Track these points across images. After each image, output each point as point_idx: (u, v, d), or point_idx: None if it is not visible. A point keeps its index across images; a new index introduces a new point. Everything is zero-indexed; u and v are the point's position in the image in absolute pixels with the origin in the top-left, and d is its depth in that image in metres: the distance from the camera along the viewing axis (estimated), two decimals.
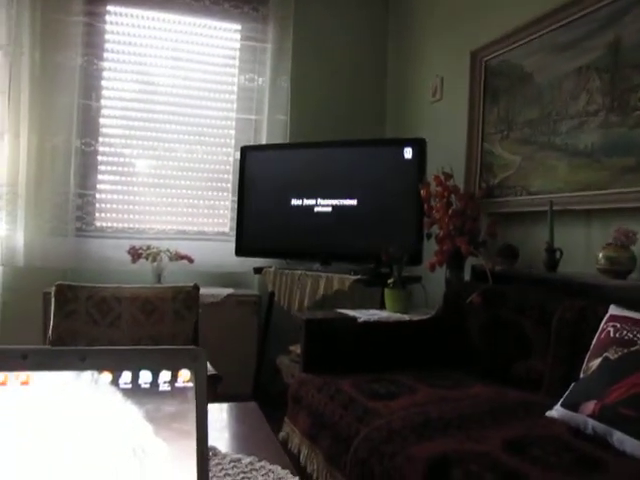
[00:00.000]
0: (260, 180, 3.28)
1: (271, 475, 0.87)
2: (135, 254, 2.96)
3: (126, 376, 0.57)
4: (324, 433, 1.94)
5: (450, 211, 2.70)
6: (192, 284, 2.25)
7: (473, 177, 2.94)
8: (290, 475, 0.88)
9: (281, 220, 3.19)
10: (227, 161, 3.49)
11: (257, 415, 1.30)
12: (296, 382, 2.29)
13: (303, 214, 3.13)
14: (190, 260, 3.06)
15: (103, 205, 3.29)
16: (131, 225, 3.31)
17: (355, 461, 1.64)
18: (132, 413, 0.57)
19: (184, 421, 0.58)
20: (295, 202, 3.14)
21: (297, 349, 2.65)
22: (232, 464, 1.00)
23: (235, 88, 3.46)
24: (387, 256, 2.59)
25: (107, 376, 0.57)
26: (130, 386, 0.57)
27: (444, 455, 1.41)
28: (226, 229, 3.50)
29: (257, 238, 3.23)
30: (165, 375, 0.58)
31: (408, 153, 2.95)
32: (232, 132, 3.47)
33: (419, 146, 2.98)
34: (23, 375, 0.55)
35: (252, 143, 3.40)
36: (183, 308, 2.23)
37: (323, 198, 3.09)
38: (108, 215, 3.31)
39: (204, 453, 0.58)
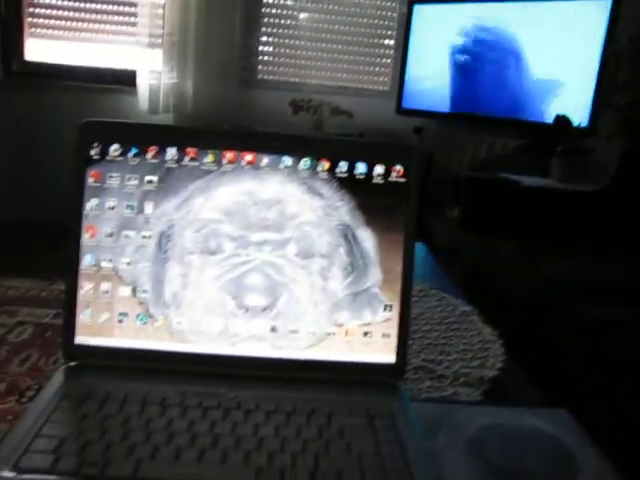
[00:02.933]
0: (426, 38, 3.08)
1: (444, 302, 0.90)
2: (296, 106, 3.01)
3: (343, 165, 0.58)
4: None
5: None
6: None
7: None
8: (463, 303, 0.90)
9: (444, 79, 2.99)
10: (391, 17, 3.32)
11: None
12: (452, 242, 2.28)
13: (468, 72, 2.91)
14: (350, 115, 3.05)
15: (266, 58, 3.33)
16: (293, 79, 3.34)
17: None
18: (346, 201, 0.59)
19: (394, 215, 0.59)
20: (459, 58, 2.89)
21: (454, 212, 2.61)
22: None
23: None
24: (560, 122, 2.38)
25: (325, 164, 0.58)
26: (346, 175, 0.59)
27: None
28: (387, 88, 3.42)
29: (419, 97, 3.11)
30: (379, 168, 0.59)
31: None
32: None
33: None
34: (249, 155, 0.58)
35: None
36: None
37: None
38: (271, 68, 3.36)
39: (410, 249, 0.59)
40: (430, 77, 3.02)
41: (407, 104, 3.11)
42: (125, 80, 3.01)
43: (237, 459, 0.48)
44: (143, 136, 0.59)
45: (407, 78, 3.08)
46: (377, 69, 3.38)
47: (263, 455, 0.49)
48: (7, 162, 2.97)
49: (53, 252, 2.11)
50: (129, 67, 3.00)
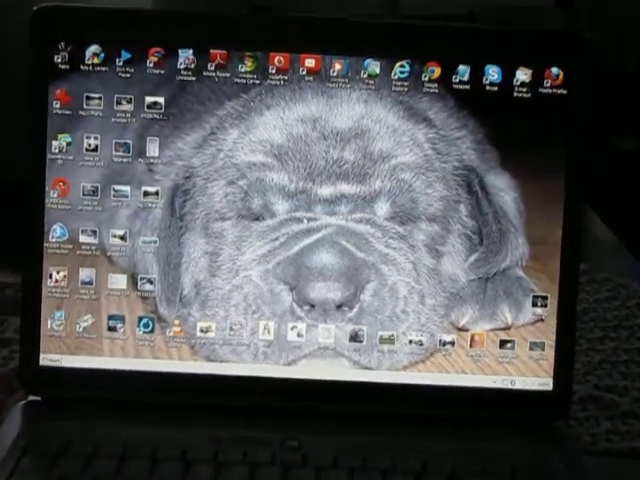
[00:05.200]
0: None
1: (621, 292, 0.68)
2: None
3: (463, 71, 0.41)
4: None
5: None
6: None
7: None
8: None
9: None
10: None
11: None
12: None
13: None
14: None
15: None
16: None
17: None
18: (470, 130, 0.44)
19: (549, 150, 0.42)
20: None
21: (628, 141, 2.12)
22: None
23: None
24: None
25: (434, 69, 0.42)
26: (468, 87, 0.42)
27: None
28: None
29: None
30: (523, 74, 0.41)
31: None
32: None
33: None
34: (312, 59, 0.41)
35: None
36: None
37: None
38: None
39: (576, 203, 0.41)
40: None
41: None
42: None
43: None
44: (139, 30, 0.42)
45: None
46: None
47: None
48: None
49: None
50: None
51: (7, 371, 0.49)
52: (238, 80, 0.41)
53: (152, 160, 0.42)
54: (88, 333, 0.42)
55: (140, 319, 0.42)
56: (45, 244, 0.41)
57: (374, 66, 0.41)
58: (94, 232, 0.42)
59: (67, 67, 0.41)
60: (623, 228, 0.85)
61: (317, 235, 0.40)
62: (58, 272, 0.42)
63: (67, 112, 0.41)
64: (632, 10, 2.04)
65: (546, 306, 0.42)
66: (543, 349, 0.42)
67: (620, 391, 0.50)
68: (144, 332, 0.42)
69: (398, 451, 0.40)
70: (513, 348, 0.42)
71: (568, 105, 0.41)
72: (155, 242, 0.42)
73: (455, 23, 0.44)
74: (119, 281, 0.42)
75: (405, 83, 0.42)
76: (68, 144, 0.41)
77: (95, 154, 0.42)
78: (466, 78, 0.41)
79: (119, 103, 0.41)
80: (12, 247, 0.43)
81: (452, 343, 0.42)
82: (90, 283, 0.42)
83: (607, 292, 0.66)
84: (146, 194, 0.42)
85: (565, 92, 0.41)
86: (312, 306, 0.40)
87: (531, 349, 0.42)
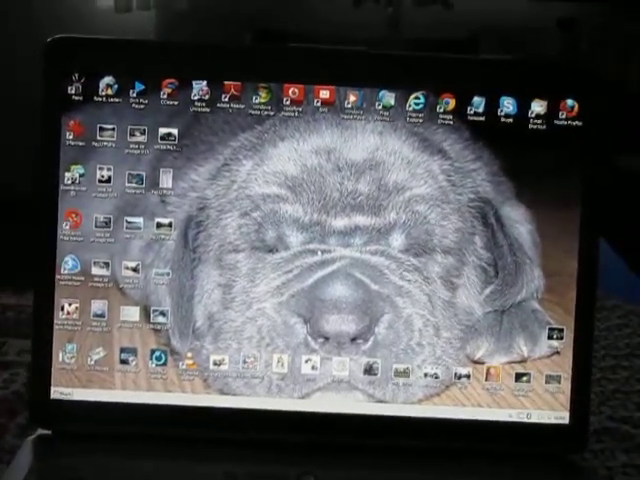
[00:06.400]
0: None
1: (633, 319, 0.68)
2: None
3: (478, 103, 0.42)
4: None
5: None
6: None
7: None
8: None
9: None
10: None
11: None
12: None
13: None
14: (448, 4, 2.12)
15: None
16: None
17: None
18: (485, 162, 0.44)
19: (563, 182, 0.43)
20: None
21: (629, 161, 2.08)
22: None
23: None
24: None
25: (449, 101, 0.42)
26: (483, 119, 0.42)
27: None
28: None
29: None
30: (539, 106, 0.42)
31: None
32: None
33: None
34: (326, 91, 0.42)
35: None
36: None
37: None
38: None
39: (591, 236, 0.41)
40: None
41: None
42: None
43: None
44: (152, 61, 0.42)
45: None
46: None
47: None
48: None
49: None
50: None
51: (8, 394, 0.49)
52: (252, 111, 0.42)
53: (165, 191, 0.42)
54: (100, 366, 0.42)
55: (152, 352, 0.42)
56: (57, 276, 0.42)
57: (389, 97, 0.42)
58: (106, 264, 0.42)
59: (80, 98, 0.41)
60: (628, 249, 0.86)
61: (331, 267, 0.41)
62: (70, 304, 0.42)
63: (80, 143, 0.41)
64: (632, 31, 2.01)
65: (562, 338, 0.42)
66: (559, 382, 0.42)
67: (635, 422, 0.50)
68: (156, 365, 0.42)
69: None
70: (529, 381, 0.42)
71: (583, 137, 0.42)
72: (168, 274, 0.42)
73: (470, 55, 0.43)
74: (131, 313, 0.42)
75: (420, 115, 0.42)
76: (81, 175, 0.42)
77: (108, 185, 0.42)
78: (481, 110, 0.42)
79: (132, 134, 0.42)
80: (13, 268, 0.43)
81: (468, 376, 0.42)
82: (102, 315, 0.42)
83: (618, 319, 0.65)
84: (159, 226, 0.42)
85: (580, 124, 0.42)
86: (326, 339, 0.40)
87: (547, 382, 0.42)
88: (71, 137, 0.42)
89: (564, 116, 0.42)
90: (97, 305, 0.42)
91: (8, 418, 0.46)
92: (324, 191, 0.42)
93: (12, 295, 0.83)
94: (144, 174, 0.42)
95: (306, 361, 0.41)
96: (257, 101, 0.42)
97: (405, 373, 0.42)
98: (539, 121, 0.42)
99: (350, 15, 2.11)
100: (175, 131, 0.42)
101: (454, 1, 2.15)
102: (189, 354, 0.43)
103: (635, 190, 1.83)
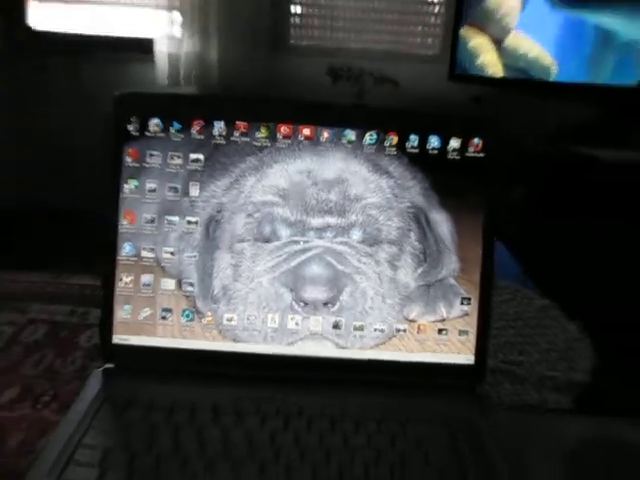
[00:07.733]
0: None
1: (518, 295, 0.87)
2: (335, 75, 2.99)
3: (414, 139, 0.57)
4: None
5: None
6: None
7: None
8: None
9: None
10: None
11: None
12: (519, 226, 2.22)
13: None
14: (395, 83, 2.99)
15: (299, 20, 3.31)
16: (329, 43, 3.31)
17: None
18: (418, 180, 0.58)
19: (472, 196, 0.58)
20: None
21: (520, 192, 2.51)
22: None
23: None
24: None
25: (393, 138, 0.57)
26: (417, 151, 0.58)
27: None
28: (436, 51, 3.35)
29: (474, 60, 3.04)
30: (455, 142, 0.58)
31: None
32: None
33: None
34: (307, 129, 0.57)
35: None
36: None
37: None
38: (305, 32, 3.33)
39: (491, 234, 0.58)
40: None
41: (461, 69, 3.03)
42: (139, 48, 2.98)
43: (304, 474, 0.48)
44: (187, 108, 0.58)
45: (460, 39, 3.01)
46: (427, 29, 3.32)
47: (333, 468, 0.48)
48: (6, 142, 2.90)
49: (59, 242, 2.14)
50: (144, 34, 2.96)
51: (90, 346, 0.72)
52: (255, 143, 0.58)
53: (194, 198, 0.58)
54: (147, 320, 0.59)
55: (183, 311, 0.58)
56: (118, 257, 0.58)
57: (351, 135, 0.58)
58: (152, 249, 0.58)
59: (137, 133, 0.58)
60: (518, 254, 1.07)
61: (309, 253, 0.57)
62: (127, 277, 0.59)
63: (135, 165, 0.58)
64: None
65: (470, 305, 0.59)
66: (468, 335, 0.58)
67: (518, 364, 0.68)
68: (186, 321, 0.59)
69: (367, 406, 0.55)
70: (447, 334, 0.59)
71: (485, 165, 0.58)
72: (195, 257, 0.58)
73: (415, 108, 0.60)
74: (169, 284, 0.58)
75: (373, 147, 0.58)
76: (135, 187, 0.58)
77: (154, 194, 0.58)
78: (416, 144, 0.58)
79: (171, 158, 0.58)
80: (91, 259, 0.61)
81: (404, 330, 0.59)
82: (149, 285, 0.58)
83: (508, 295, 0.86)
84: (189, 222, 0.58)
85: (483, 155, 0.58)
86: (306, 304, 0.57)
87: (460, 335, 0.59)
88: (129, 160, 0.58)
89: (472, 150, 0.58)
90: (145, 278, 0.59)
91: (90, 361, 0.70)
92: (305, 199, 0.57)
93: (90, 278, 1.13)
94: (179, 186, 0.58)
95: (291, 319, 0.58)
96: (259, 136, 0.58)
97: (361, 328, 0.58)
98: (455, 153, 0.58)
99: (329, 89, 2.96)
100: (202, 157, 0.58)
101: (400, 81, 2.98)
102: (209, 313, 0.58)
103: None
